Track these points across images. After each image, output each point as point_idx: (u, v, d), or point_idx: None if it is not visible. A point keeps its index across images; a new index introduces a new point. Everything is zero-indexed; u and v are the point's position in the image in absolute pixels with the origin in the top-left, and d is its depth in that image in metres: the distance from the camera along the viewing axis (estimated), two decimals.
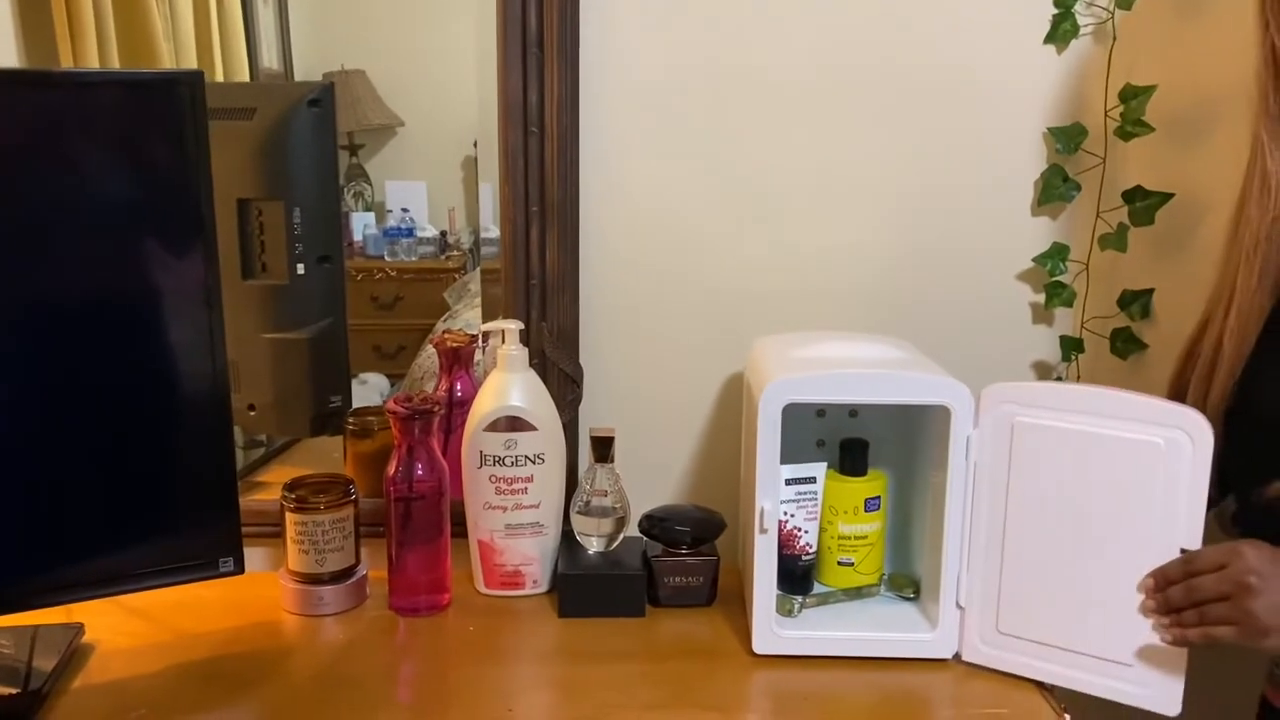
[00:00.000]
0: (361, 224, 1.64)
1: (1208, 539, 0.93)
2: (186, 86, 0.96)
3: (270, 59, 1.53)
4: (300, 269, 1.36)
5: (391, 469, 1.11)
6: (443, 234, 1.62)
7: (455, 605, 1.16)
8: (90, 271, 0.95)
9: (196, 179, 0.98)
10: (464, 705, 0.99)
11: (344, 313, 1.41)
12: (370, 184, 1.65)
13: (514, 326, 1.14)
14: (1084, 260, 1.23)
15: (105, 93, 0.94)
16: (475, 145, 1.39)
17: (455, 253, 1.56)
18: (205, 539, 1.03)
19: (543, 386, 1.17)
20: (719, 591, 1.17)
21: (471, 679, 1.03)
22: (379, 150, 1.57)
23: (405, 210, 1.61)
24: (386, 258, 1.59)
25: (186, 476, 1.02)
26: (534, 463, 1.14)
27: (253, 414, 1.39)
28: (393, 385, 1.53)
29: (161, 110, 0.96)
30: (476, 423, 1.13)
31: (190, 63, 1.54)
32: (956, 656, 1.05)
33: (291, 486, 1.14)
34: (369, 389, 1.53)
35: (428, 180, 1.58)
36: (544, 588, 1.18)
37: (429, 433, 1.11)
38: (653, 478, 1.29)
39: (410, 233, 1.61)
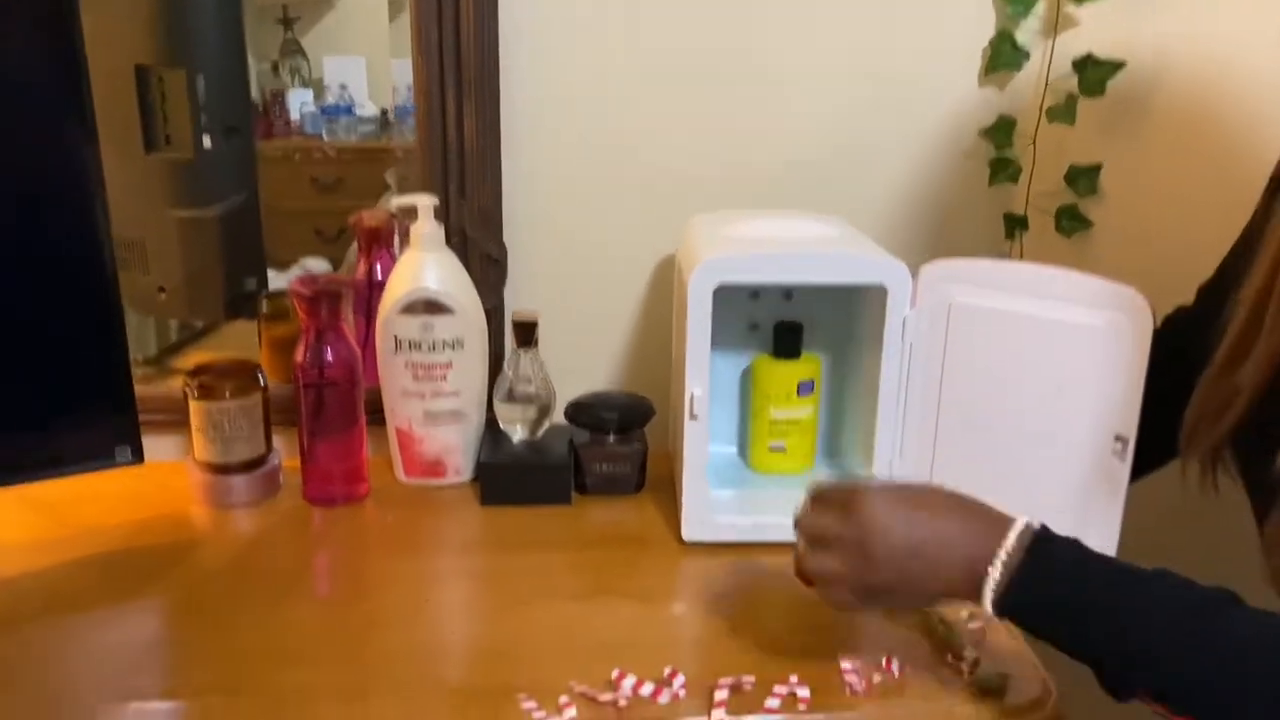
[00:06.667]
0: (299, 101, 1.56)
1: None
2: None
3: None
4: (206, 141, 1.29)
5: (300, 354, 1.05)
6: (384, 112, 1.53)
7: (374, 495, 1.12)
8: None
9: (68, 39, 0.89)
10: (379, 596, 0.96)
11: (256, 189, 1.34)
12: (307, 59, 1.56)
13: (427, 202, 1.06)
14: (1031, 134, 1.18)
15: None
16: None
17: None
18: (100, 428, 0.97)
19: (460, 267, 1.10)
20: (649, 479, 1.14)
21: (388, 570, 1.00)
22: (316, 23, 1.48)
23: (344, 87, 1.53)
24: (325, 137, 1.51)
25: (75, 363, 0.95)
26: (452, 348, 1.08)
27: (163, 296, 1.33)
28: (336, 270, 1.47)
29: None
30: (390, 306, 1.07)
31: None
32: None
33: (195, 372, 1.08)
34: (348, 278, 1.46)
35: (367, 56, 1.49)
36: (467, 477, 1.14)
37: (338, 315, 1.05)
38: (581, 364, 1.24)
39: (349, 111, 1.53)
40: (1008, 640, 0.88)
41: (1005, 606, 0.71)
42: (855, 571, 0.75)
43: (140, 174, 1.27)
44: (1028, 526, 0.72)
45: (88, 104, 0.92)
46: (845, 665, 0.83)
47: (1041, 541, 0.71)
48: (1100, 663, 0.69)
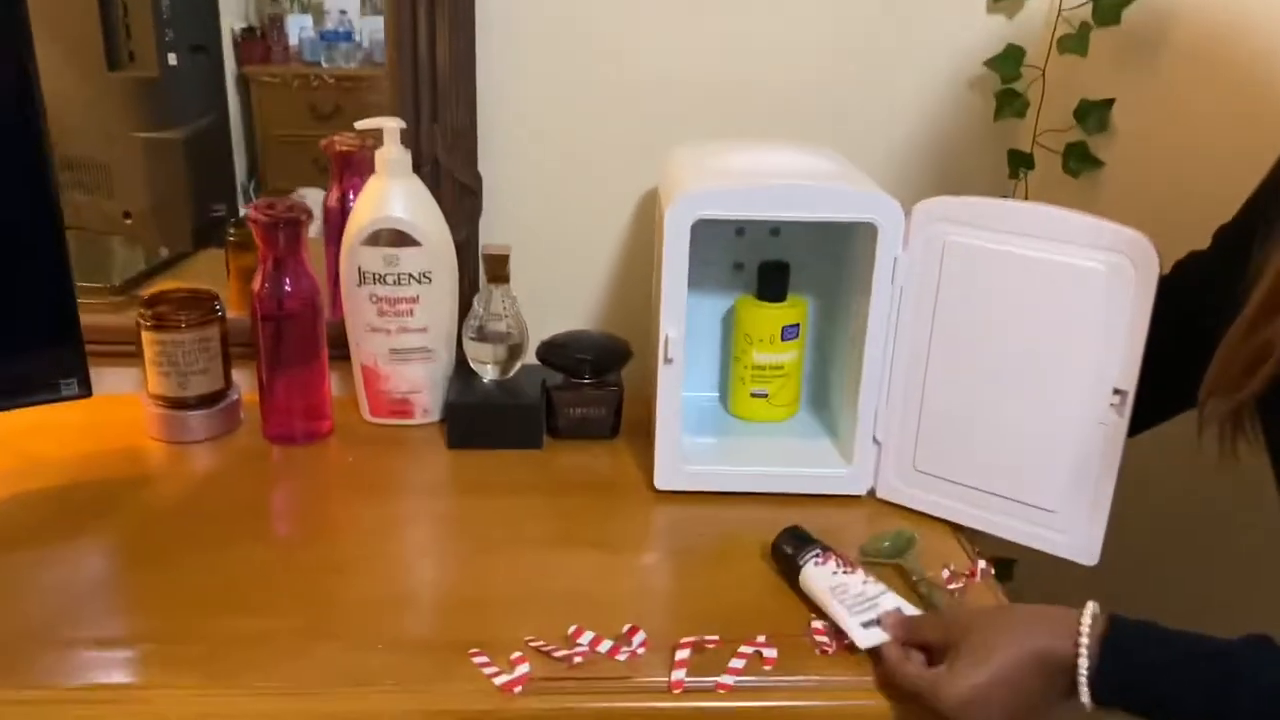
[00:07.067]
0: (298, 27, 1.51)
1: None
2: None
3: None
4: (172, 59, 1.23)
5: (257, 284, 1.00)
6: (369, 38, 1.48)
7: (338, 434, 1.08)
8: None
9: None
10: (337, 540, 0.92)
11: (226, 111, 1.29)
12: None
13: (393, 125, 1.00)
14: (1040, 65, 1.11)
15: None
16: None
17: None
18: (44, 359, 0.92)
19: (429, 195, 1.05)
20: (626, 423, 1.09)
21: (348, 513, 0.96)
22: None
23: (344, 12, 1.47)
24: (324, 64, 1.45)
25: (16, 292, 0.90)
26: (419, 282, 1.03)
27: (129, 222, 1.28)
28: None
29: None
30: (353, 235, 1.01)
31: None
32: (871, 494, 0.99)
33: (150, 303, 1.03)
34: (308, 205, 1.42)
35: None
36: (435, 417, 1.10)
37: (298, 244, 0.99)
38: (558, 301, 1.18)
39: (349, 37, 1.47)
40: (990, 600, 0.84)
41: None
42: None
43: (103, 93, 1.23)
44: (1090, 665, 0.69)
45: (22, 8, 0.86)
46: (816, 625, 0.79)
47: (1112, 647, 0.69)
48: None
